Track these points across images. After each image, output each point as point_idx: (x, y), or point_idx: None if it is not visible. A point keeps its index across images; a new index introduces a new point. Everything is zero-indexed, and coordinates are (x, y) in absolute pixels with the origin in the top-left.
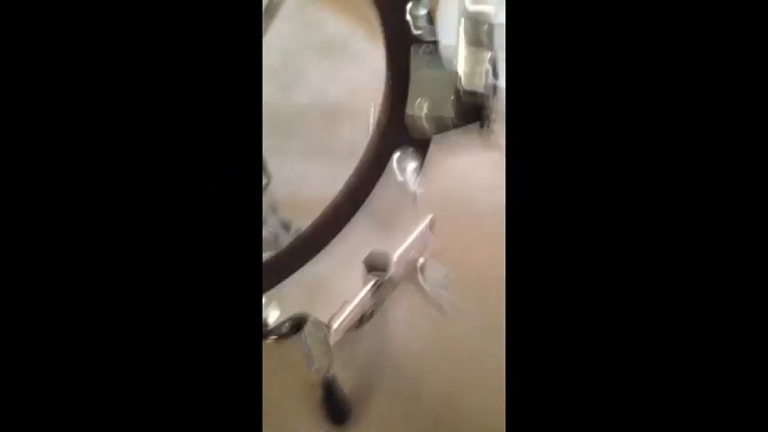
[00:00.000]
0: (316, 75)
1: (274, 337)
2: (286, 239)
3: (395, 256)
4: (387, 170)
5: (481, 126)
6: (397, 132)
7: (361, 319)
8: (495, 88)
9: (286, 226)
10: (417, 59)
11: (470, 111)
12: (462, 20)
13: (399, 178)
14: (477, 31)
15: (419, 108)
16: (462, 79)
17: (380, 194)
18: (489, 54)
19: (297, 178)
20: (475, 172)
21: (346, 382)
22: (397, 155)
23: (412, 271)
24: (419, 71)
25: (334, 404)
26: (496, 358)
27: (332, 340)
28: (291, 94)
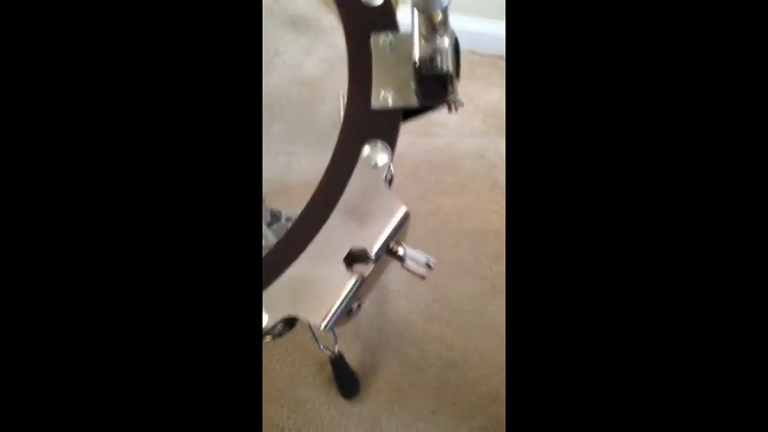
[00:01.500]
0: (291, 52)
1: (269, 337)
2: (277, 232)
3: (373, 251)
4: (358, 165)
5: (449, 110)
6: (363, 125)
7: (349, 314)
8: (456, 72)
9: (275, 217)
10: (378, 49)
11: (435, 96)
12: (414, 7)
13: (371, 172)
14: (429, 16)
15: (384, 100)
16: (421, 66)
17: (354, 190)
18: (446, 37)
19: (282, 165)
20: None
21: (354, 357)
22: (366, 148)
23: (394, 261)
24: (381, 61)
25: (344, 378)
26: (495, 319)
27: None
28: (269, 75)
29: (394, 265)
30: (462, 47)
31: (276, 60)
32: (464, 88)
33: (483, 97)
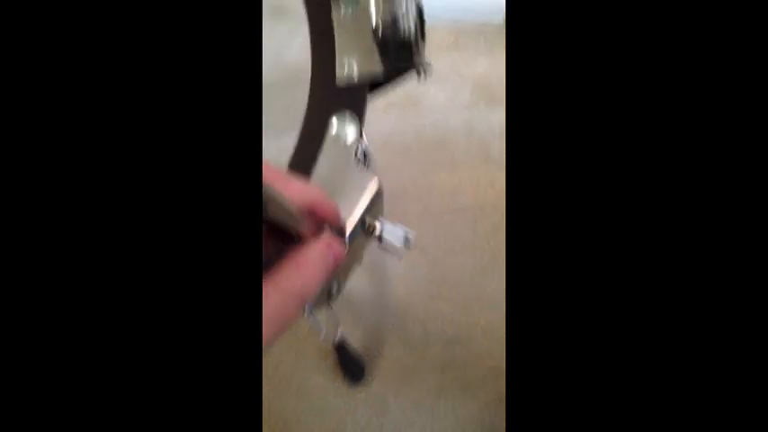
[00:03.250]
0: (274, 41)
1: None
2: None
3: (347, 229)
4: (327, 139)
5: (418, 74)
6: (329, 98)
7: (329, 296)
8: (420, 33)
9: None
10: (339, 19)
11: (400, 61)
12: None
13: (340, 145)
14: None
15: (349, 71)
16: (382, 31)
17: (324, 165)
18: (403, 1)
19: (274, 153)
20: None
21: (357, 341)
22: (334, 121)
23: (371, 237)
24: (343, 31)
25: (349, 364)
26: (496, 293)
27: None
28: None
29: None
30: (446, 16)
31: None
32: (450, 59)
33: (470, 67)
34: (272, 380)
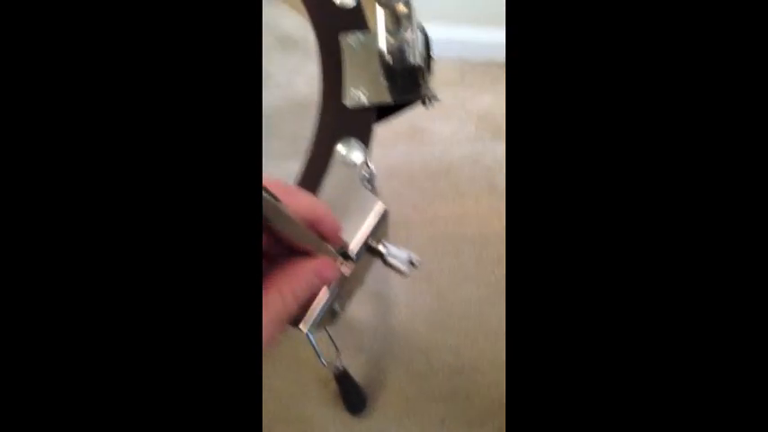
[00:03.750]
0: (282, 73)
1: None
2: None
3: (353, 250)
4: (333, 163)
5: (424, 103)
6: (336, 124)
7: (333, 315)
8: (428, 61)
9: None
10: (349, 48)
11: (407, 90)
12: (377, 2)
13: (346, 169)
14: (393, 10)
15: (357, 98)
16: (390, 60)
17: (330, 188)
18: (411, 30)
19: (282, 178)
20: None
21: (359, 370)
22: (340, 146)
23: (376, 259)
24: (352, 60)
25: (350, 394)
26: (501, 323)
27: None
28: (264, 96)
29: (395, 274)
30: (452, 55)
31: (268, 82)
32: (456, 95)
33: (475, 103)
34: (271, 408)
